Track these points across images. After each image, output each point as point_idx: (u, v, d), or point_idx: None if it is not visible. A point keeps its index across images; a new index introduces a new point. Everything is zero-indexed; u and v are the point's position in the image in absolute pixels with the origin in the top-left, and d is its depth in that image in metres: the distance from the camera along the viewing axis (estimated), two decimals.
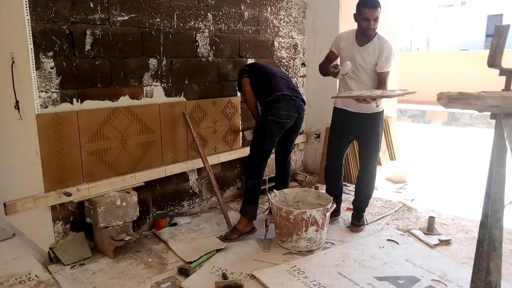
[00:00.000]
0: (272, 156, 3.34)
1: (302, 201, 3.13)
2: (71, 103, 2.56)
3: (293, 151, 3.44)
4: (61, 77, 2.49)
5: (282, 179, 3.38)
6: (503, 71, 1.76)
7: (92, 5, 2.58)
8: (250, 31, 3.71)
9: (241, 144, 3.76)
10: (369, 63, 2.84)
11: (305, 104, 3.16)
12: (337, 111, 3.09)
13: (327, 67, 2.92)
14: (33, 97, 2.36)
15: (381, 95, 2.59)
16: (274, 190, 3.14)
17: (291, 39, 4.18)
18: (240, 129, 3.71)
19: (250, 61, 3.75)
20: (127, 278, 2.41)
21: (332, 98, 2.97)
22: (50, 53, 2.42)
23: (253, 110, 3.18)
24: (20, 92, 2.45)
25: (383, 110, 2.99)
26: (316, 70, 3.14)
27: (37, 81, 2.38)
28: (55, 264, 2.54)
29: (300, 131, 3.39)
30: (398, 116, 7.38)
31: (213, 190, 3.37)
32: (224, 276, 2.38)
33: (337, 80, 3.10)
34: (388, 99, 5.20)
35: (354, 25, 2.89)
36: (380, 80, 2.84)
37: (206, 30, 3.30)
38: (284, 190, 3.16)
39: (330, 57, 3.05)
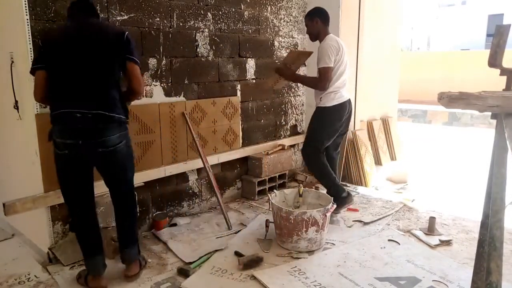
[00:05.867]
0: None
1: (302, 201, 3.12)
2: None
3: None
4: None
5: None
6: (503, 71, 1.75)
7: None
8: (250, 31, 3.70)
9: (241, 144, 3.75)
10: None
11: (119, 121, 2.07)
12: None
13: None
14: (33, 97, 2.35)
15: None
16: (274, 191, 3.13)
17: (291, 38, 4.17)
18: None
19: (250, 61, 3.75)
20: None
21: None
22: None
23: None
24: (19, 92, 2.44)
25: (326, 107, 3.09)
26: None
27: None
28: (54, 264, 2.53)
29: None
30: (399, 116, 7.37)
31: (212, 191, 3.36)
32: (238, 254, 2.58)
33: None
34: (387, 99, 5.19)
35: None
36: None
37: (206, 30, 3.29)
38: (284, 190, 3.16)
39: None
